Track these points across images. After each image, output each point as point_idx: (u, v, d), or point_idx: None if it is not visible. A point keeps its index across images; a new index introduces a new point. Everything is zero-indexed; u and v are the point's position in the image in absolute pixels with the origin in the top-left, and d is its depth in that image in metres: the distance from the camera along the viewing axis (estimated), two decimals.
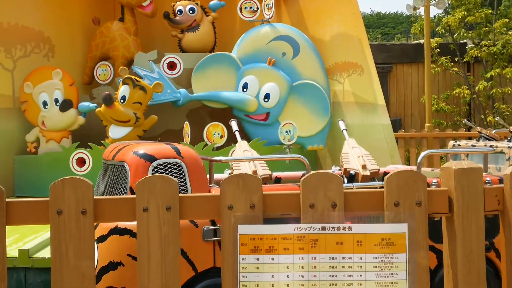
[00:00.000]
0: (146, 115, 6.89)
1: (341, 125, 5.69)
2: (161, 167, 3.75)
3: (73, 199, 2.13)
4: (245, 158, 4.16)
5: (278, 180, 4.37)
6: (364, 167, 4.08)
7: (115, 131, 6.76)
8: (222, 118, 7.09)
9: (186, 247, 3.55)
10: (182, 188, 3.78)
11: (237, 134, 5.36)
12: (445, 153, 4.02)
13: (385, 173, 4.37)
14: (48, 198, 2.14)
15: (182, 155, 3.79)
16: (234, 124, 5.39)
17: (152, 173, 3.70)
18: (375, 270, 2.10)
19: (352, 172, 4.24)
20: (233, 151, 5.32)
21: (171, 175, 3.72)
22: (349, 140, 4.92)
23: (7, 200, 2.15)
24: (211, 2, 7.82)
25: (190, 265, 3.58)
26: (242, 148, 4.72)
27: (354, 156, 4.43)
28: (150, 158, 3.75)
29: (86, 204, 2.13)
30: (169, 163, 3.76)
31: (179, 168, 3.76)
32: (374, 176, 4.16)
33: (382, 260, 2.10)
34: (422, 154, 3.99)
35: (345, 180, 4.26)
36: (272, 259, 2.13)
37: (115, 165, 3.90)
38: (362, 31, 7.15)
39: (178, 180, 3.66)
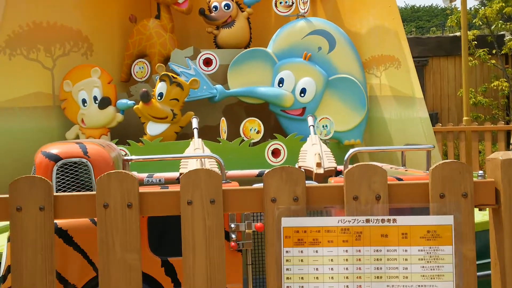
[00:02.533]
0: (183, 112, 6.95)
1: (310, 121, 5.63)
2: (66, 166, 3.80)
3: (119, 193, 2.17)
4: (157, 157, 4.14)
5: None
6: (318, 164, 3.97)
7: (152, 128, 6.83)
8: (258, 113, 7.10)
9: (87, 247, 3.59)
10: (88, 188, 3.81)
11: (195, 131, 5.32)
12: (373, 151, 3.95)
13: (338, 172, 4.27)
14: (94, 192, 2.18)
15: (89, 154, 3.84)
16: (194, 121, 5.38)
17: (57, 173, 3.76)
18: (421, 262, 2.09)
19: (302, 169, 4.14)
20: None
21: (76, 175, 3.77)
22: (312, 137, 4.84)
23: (55, 194, 2.20)
24: None
25: (91, 266, 3.62)
26: (194, 145, 4.71)
27: (312, 153, 4.35)
28: (55, 158, 3.82)
29: (131, 197, 2.16)
30: (75, 163, 3.82)
31: (84, 168, 3.82)
32: (330, 174, 4.05)
33: (428, 253, 2.08)
34: (349, 152, 3.90)
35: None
36: (316, 251, 2.13)
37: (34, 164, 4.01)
38: (399, 24, 7.07)
39: (85, 180, 3.70)
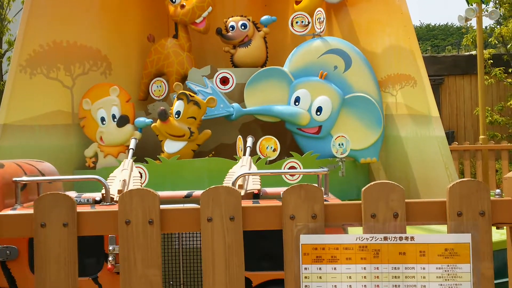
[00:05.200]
0: (200, 130, 7.01)
1: (248, 141, 5.62)
2: None
3: (141, 210, 2.21)
4: (48, 179, 4.07)
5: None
6: (240, 187, 3.95)
7: (170, 146, 6.90)
8: (274, 131, 7.14)
9: None
10: None
11: (130, 152, 5.30)
12: (260, 174, 3.94)
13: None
14: (117, 209, 2.22)
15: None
16: (132, 142, 5.36)
17: None
18: (439, 280, 2.10)
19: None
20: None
21: None
22: (243, 158, 4.82)
23: (78, 211, 2.24)
24: (263, 18, 7.91)
25: None
26: (124, 166, 4.72)
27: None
28: None
29: (153, 214, 2.21)
30: None
31: None
32: (249, 197, 4.00)
33: (445, 271, 2.10)
34: (238, 174, 3.88)
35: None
36: (335, 268, 2.16)
37: None
38: (414, 43, 7.10)
39: None
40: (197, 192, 4.07)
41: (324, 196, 3.71)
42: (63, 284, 2.21)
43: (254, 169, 4.57)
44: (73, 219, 2.21)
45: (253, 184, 4.08)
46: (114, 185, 4.30)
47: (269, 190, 4.24)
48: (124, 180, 4.28)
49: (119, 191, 4.01)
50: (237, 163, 4.77)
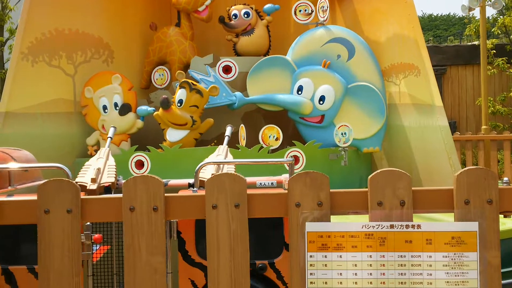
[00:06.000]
0: (203, 118, 6.98)
1: (228, 130, 5.54)
2: None
3: (145, 196, 2.19)
4: (2, 167, 4.01)
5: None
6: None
7: (172, 134, 6.88)
8: (277, 120, 7.12)
9: None
10: None
11: (108, 140, 5.26)
12: (221, 163, 3.87)
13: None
14: (121, 196, 2.21)
15: None
16: (111, 131, 5.31)
17: None
18: (445, 269, 2.08)
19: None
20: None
21: None
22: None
23: (82, 197, 2.23)
24: (266, 6, 7.87)
25: None
26: (100, 154, 4.65)
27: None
28: None
29: (157, 201, 2.19)
30: None
31: None
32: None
33: (452, 259, 2.08)
34: (200, 164, 3.81)
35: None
36: (340, 256, 2.14)
37: None
38: (418, 32, 7.06)
39: None
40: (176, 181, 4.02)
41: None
42: (67, 270, 2.19)
43: (230, 158, 4.52)
44: (77, 206, 2.20)
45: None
46: (88, 173, 4.25)
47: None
48: (99, 169, 4.22)
49: (93, 180, 3.96)
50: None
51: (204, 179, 3.86)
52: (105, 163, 4.37)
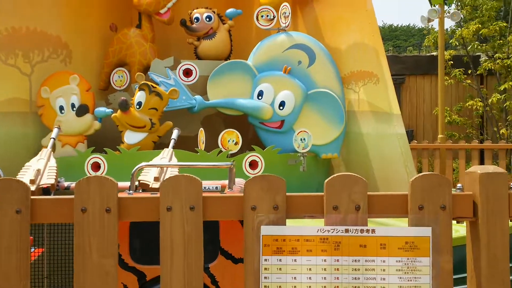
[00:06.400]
0: (162, 121, 6.92)
1: (174, 133, 5.50)
2: None
3: (98, 197, 2.15)
4: None
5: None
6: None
7: (130, 137, 6.79)
8: (237, 125, 7.10)
9: None
10: None
11: (51, 141, 5.22)
12: (156, 166, 3.88)
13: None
14: (73, 196, 2.16)
15: None
16: (54, 131, 5.28)
17: None
18: (399, 273, 2.10)
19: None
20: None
21: None
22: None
23: (32, 197, 2.17)
24: (228, 10, 7.85)
25: None
26: (41, 155, 4.61)
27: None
28: None
29: (110, 202, 2.15)
30: None
31: None
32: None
33: (405, 264, 2.10)
34: (136, 166, 3.82)
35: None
36: (295, 260, 2.13)
37: None
38: (378, 40, 7.15)
39: None
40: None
41: (228, 190, 3.67)
42: (14, 273, 2.13)
43: (174, 161, 4.47)
44: (27, 206, 2.14)
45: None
46: (27, 174, 4.14)
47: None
48: (39, 170, 4.12)
49: (31, 181, 3.86)
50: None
51: (146, 182, 3.80)
52: (45, 164, 4.26)
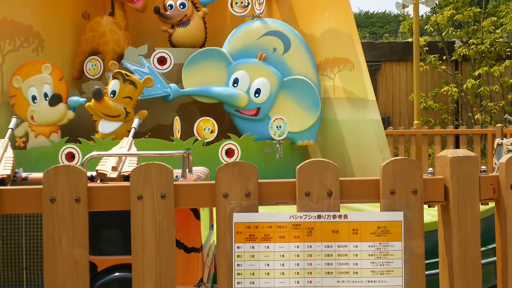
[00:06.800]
0: (136, 110, 6.86)
1: (135, 122, 5.46)
2: None
3: (67, 187, 2.11)
4: None
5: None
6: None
7: (105, 126, 6.72)
8: (212, 113, 7.07)
9: None
10: None
11: (8, 132, 5.17)
12: (108, 155, 3.86)
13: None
14: (41, 186, 2.12)
15: None
16: (13, 121, 5.23)
17: None
18: (371, 258, 2.10)
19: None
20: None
21: None
22: (124, 139, 4.65)
23: (2, 188, 2.12)
24: None
25: None
26: None
27: None
28: None
29: (80, 191, 2.11)
30: None
31: None
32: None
33: (378, 248, 2.10)
34: (87, 156, 3.79)
35: None
36: (268, 247, 2.12)
37: None
38: (353, 27, 7.16)
39: None
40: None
41: (182, 178, 3.64)
42: None
43: (134, 150, 4.41)
44: None
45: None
46: None
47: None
48: None
49: None
50: (117, 145, 4.60)
51: (103, 172, 3.74)
52: (2, 154, 4.19)
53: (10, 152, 4.15)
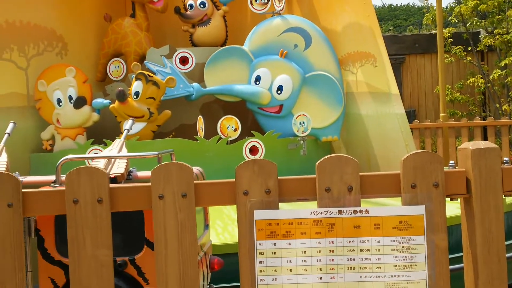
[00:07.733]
0: (160, 110, 6.90)
1: (128, 124, 5.34)
2: None
3: (89, 188, 2.14)
4: None
5: None
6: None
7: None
8: (235, 111, 7.08)
9: None
10: None
11: (5, 136, 5.15)
12: (83, 159, 3.78)
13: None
14: (64, 188, 2.15)
15: None
16: (10, 126, 5.20)
17: None
18: (394, 253, 2.09)
19: None
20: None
21: None
22: (116, 141, 4.59)
23: (23, 190, 2.16)
24: None
25: None
26: None
27: None
28: None
29: (102, 192, 2.14)
30: None
31: None
32: None
33: (400, 243, 2.09)
34: (61, 159, 3.68)
35: None
36: (289, 244, 2.12)
37: None
38: (374, 20, 7.10)
39: None
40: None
41: None
42: (10, 267, 2.13)
43: (124, 152, 4.38)
44: (18, 199, 2.13)
45: (118, 168, 3.91)
46: None
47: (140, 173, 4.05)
48: None
49: None
50: (109, 146, 4.60)
51: None
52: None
53: (4, 157, 4.16)
